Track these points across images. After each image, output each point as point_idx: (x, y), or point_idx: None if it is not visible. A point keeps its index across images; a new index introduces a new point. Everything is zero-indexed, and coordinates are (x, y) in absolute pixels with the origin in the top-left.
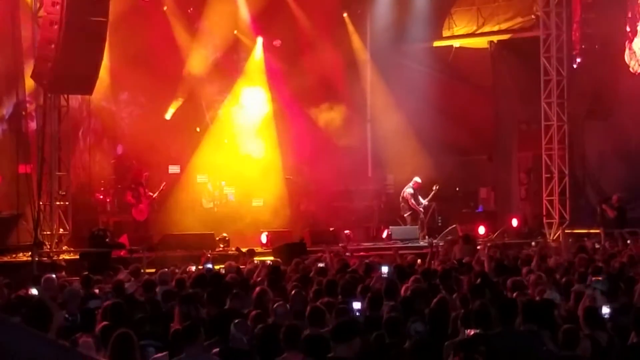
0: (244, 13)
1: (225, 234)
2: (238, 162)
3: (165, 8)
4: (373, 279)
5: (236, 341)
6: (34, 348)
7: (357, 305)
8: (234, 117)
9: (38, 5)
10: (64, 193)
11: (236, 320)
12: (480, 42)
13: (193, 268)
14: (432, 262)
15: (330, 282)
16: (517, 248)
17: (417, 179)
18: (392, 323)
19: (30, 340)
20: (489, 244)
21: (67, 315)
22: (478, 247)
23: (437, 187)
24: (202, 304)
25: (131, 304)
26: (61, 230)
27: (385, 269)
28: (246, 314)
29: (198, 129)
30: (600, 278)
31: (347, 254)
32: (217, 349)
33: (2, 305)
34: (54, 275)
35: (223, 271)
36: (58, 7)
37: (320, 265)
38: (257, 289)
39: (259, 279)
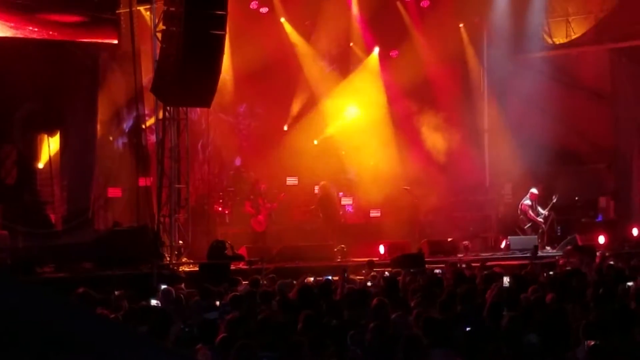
0: (360, 26)
1: (343, 245)
2: (355, 173)
3: (282, 19)
4: (493, 289)
5: (352, 353)
6: (157, 358)
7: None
8: (351, 128)
9: (157, 19)
10: (184, 205)
11: (351, 332)
12: (599, 49)
13: (312, 279)
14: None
15: (448, 293)
16: (638, 257)
17: (534, 190)
18: (509, 334)
19: (154, 350)
20: (607, 254)
21: (183, 326)
22: (597, 256)
23: (557, 197)
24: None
25: (250, 315)
26: (180, 242)
27: (506, 279)
28: (363, 325)
29: (315, 142)
30: None
31: (463, 265)
32: None
33: (123, 316)
34: (166, 286)
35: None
36: (177, 21)
37: (437, 271)
38: (375, 300)
39: (377, 290)
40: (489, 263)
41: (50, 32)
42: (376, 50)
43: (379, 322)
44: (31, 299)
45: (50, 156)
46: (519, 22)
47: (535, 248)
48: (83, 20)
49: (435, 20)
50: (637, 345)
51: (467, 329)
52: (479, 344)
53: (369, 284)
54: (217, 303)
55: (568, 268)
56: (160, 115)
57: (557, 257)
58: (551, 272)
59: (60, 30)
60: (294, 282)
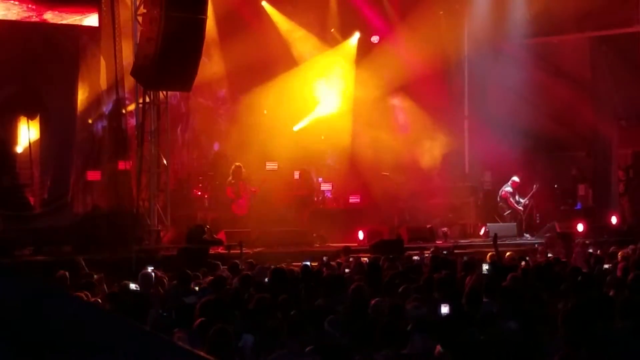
0: (340, 11)
1: (322, 233)
2: (334, 159)
3: (263, 3)
4: (472, 276)
5: (330, 337)
6: (134, 341)
7: (445, 309)
8: (330, 114)
9: (138, 3)
10: (163, 189)
11: (329, 317)
12: (580, 38)
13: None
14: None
15: (426, 279)
16: (616, 245)
17: (515, 178)
18: (487, 320)
19: (132, 333)
20: (587, 242)
21: (161, 311)
22: (575, 244)
23: (537, 186)
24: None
25: (230, 299)
26: (160, 226)
27: (485, 266)
28: (341, 310)
29: (295, 128)
30: None
31: (444, 252)
32: (312, 346)
33: (102, 300)
34: (149, 269)
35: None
36: (157, 4)
37: (415, 258)
38: (353, 285)
39: (355, 275)
40: (468, 249)
41: (32, 11)
42: (356, 35)
43: (356, 307)
44: (9, 283)
45: (29, 139)
46: (500, 9)
47: (495, 236)
48: (64, 1)
49: (416, 7)
50: (616, 333)
51: (444, 313)
52: (457, 330)
53: (347, 270)
54: (196, 288)
55: (550, 255)
56: (141, 99)
57: (536, 245)
58: (527, 258)
59: (41, 11)
60: (271, 267)
